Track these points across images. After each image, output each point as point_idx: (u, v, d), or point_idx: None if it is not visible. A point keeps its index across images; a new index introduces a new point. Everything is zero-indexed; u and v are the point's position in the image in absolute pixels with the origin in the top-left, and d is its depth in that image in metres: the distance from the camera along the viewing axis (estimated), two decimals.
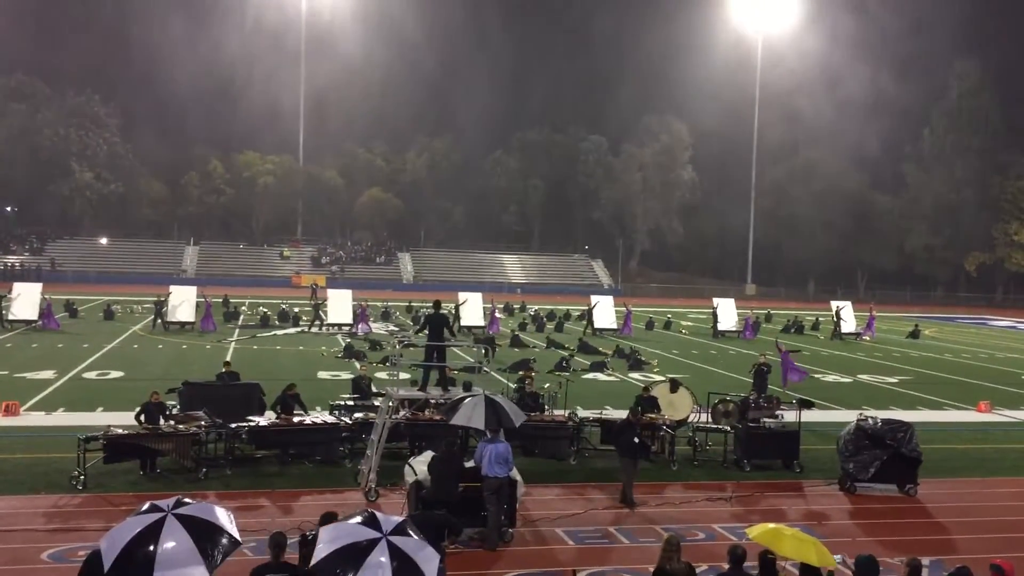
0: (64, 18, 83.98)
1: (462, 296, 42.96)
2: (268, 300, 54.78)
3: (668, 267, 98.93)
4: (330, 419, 17.08)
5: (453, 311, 39.97)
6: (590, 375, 29.07)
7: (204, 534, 7.28)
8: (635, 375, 29.38)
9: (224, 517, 7.65)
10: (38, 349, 31.37)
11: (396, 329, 41.79)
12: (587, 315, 44.15)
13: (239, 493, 14.31)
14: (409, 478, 13.30)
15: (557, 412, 18.45)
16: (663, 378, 23.62)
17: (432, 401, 16.10)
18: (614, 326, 43.51)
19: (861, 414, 16.91)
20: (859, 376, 31.67)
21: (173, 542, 7.11)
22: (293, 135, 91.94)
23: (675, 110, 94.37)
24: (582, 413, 18.85)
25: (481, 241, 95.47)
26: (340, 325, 40.43)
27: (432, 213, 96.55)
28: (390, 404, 14.96)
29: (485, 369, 17.17)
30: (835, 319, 46.82)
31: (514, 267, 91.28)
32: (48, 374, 25.56)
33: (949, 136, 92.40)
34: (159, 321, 39.21)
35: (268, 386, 18.94)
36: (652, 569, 9.12)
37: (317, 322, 41.09)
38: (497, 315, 43.59)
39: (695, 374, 29.61)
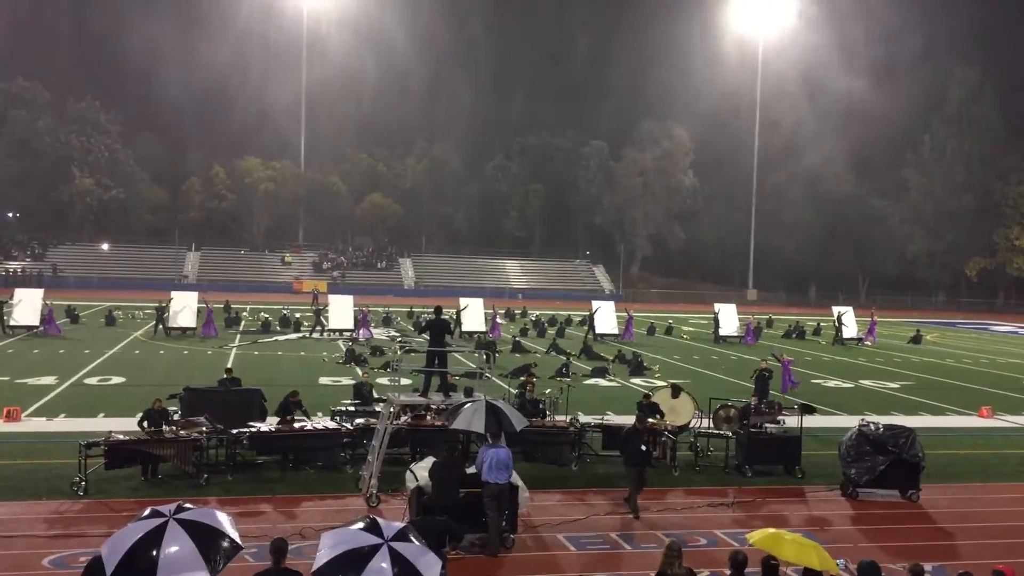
0: (65, 25, 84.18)
1: (463, 301, 42.99)
2: (269, 306, 54.79)
3: (669, 272, 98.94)
4: (331, 425, 17.09)
5: (454, 316, 40.02)
6: (591, 380, 29.06)
7: (206, 539, 7.29)
8: (637, 380, 29.37)
9: (226, 521, 7.66)
10: (39, 355, 31.37)
11: (397, 334, 41.79)
12: (588, 320, 44.17)
13: (240, 499, 14.29)
14: (410, 484, 13.29)
15: (558, 418, 18.44)
16: (665, 383, 23.61)
17: (433, 407, 16.10)
18: (615, 331, 43.53)
19: (863, 419, 16.91)
20: (861, 381, 31.63)
21: (176, 547, 7.12)
22: (294, 141, 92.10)
23: (676, 115, 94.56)
24: (583, 419, 18.84)
25: (482, 246, 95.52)
26: (341, 331, 40.42)
27: (433, 218, 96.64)
28: (391, 410, 14.97)
29: (486, 375, 17.14)
30: (836, 324, 46.78)
31: (515, 272, 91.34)
32: (49, 380, 25.56)
33: (950, 141, 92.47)
34: (160, 327, 39.22)
35: (269, 392, 18.93)
36: (653, 575, 9.10)
37: (318, 328, 41.08)
38: (499, 320, 43.60)
39: (696, 379, 29.59)
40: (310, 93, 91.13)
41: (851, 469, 15.67)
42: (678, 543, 9.52)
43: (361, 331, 39.59)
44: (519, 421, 13.82)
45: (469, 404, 13.87)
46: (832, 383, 31.00)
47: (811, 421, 18.78)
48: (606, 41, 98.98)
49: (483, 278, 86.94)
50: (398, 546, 7.31)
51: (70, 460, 14.92)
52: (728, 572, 9.03)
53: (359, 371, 27.13)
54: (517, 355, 35.06)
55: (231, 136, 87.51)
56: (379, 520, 7.70)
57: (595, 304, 45.15)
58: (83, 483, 14.20)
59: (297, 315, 46.40)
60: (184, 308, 40.02)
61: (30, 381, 25.27)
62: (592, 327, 43.29)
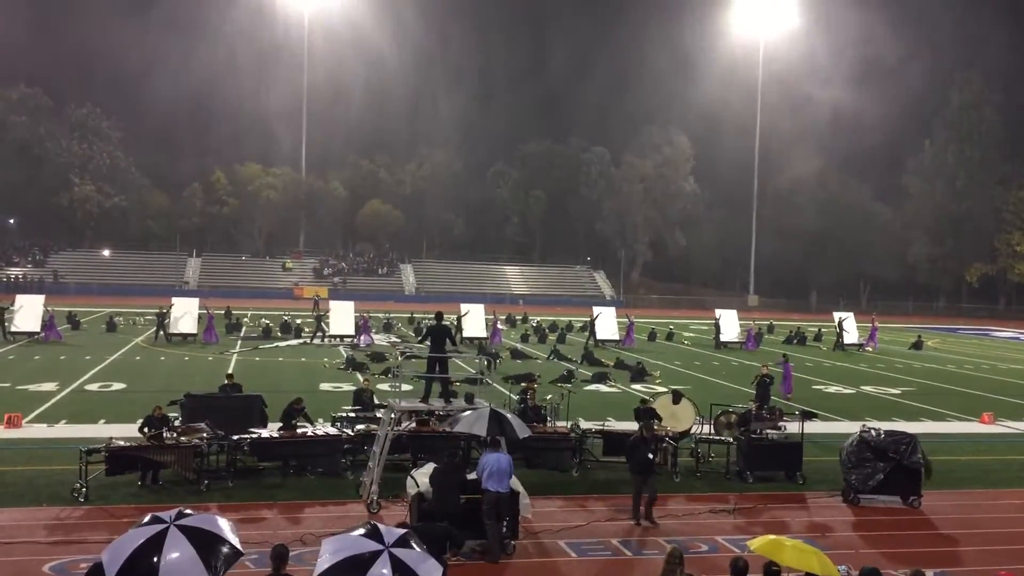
0: (66, 31, 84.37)
1: (464, 307, 42.98)
2: (270, 312, 54.81)
3: (670, 278, 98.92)
4: (332, 431, 17.09)
5: (455, 322, 40.00)
6: (592, 386, 29.05)
7: (207, 545, 7.29)
8: (637, 386, 29.34)
9: (226, 528, 7.65)
10: (40, 361, 31.38)
11: (398, 340, 41.79)
12: (589, 326, 44.17)
13: (241, 505, 14.28)
14: (411, 490, 13.29)
15: (559, 424, 18.43)
16: (666, 389, 23.60)
17: (437, 413, 16.09)
18: (616, 337, 43.52)
19: (864, 425, 16.88)
20: (862, 387, 31.61)
21: (177, 553, 7.12)
22: (295, 147, 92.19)
23: (677, 122, 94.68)
24: (584, 425, 18.83)
25: (483, 252, 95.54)
26: (342, 337, 40.43)
27: (434, 224, 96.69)
28: (392, 416, 14.96)
29: (487, 380, 17.14)
30: (838, 330, 46.76)
31: (516, 278, 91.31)
32: (50, 386, 25.56)
33: (951, 147, 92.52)
34: (161, 333, 39.23)
35: (270, 398, 18.94)
36: None
37: (319, 334, 41.09)
38: (499, 326, 43.61)
39: (697, 385, 29.57)
40: (311, 99, 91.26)
41: (852, 475, 15.65)
42: (679, 549, 9.52)
43: (362, 337, 39.61)
44: (522, 429, 13.85)
45: (472, 411, 13.88)
46: (833, 389, 30.98)
47: (812, 427, 18.79)
48: (608, 48, 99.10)
49: (484, 284, 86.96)
50: (399, 552, 7.31)
51: (71, 466, 14.92)
52: None
53: (360, 377, 27.12)
54: (518, 361, 35.04)
55: (232, 142, 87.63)
56: (380, 526, 7.69)
57: (596, 310, 45.13)
58: (84, 489, 14.20)
59: (298, 321, 46.42)
60: (185, 314, 40.08)
61: (31, 387, 25.26)
62: (593, 333, 43.30)
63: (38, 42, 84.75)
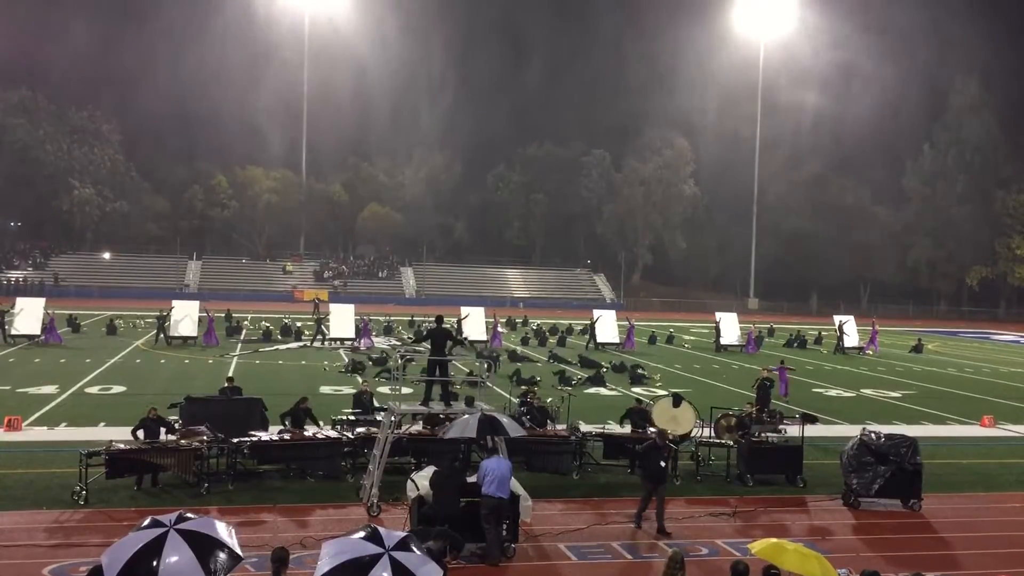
0: (66, 34, 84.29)
1: (464, 310, 42.94)
2: (270, 315, 54.82)
3: (670, 281, 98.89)
4: (332, 434, 17.08)
5: (455, 325, 39.98)
6: (592, 389, 29.03)
7: (206, 549, 7.28)
8: (637, 389, 29.32)
9: (225, 532, 7.65)
10: (40, 364, 31.37)
11: (399, 343, 41.78)
12: (589, 329, 44.15)
13: (241, 508, 14.28)
14: (411, 493, 13.28)
15: (559, 427, 18.43)
16: (666, 393, 23.58)
17: (441, 416, 16.10)
18: (616, 340, 43.49)
19: (864, 429, 16.88)
20: (862, 391, 31.60)
21: (176, 557, 7.12)
22: (296, 150, 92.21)
23: (677, 125, 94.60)
24: (584, 428, 18.82)
25: (483, 255, 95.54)
26: (343, 340, 40.43)
27: (434, 227, 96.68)
28: (392, 419, 14.96)
29: (488, 383, 17.14)
30: (838, 333, 46.77)
31: (516, 281, 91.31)
32: (50, 389, 25.54)
33: (951, 150, 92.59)
34: (161, 336, 39.21)
35: (270, 401, 18.93)
36: None
37: (319, 337, 41.09)
38: (500, 329, 43.58)
39: (698, 389, 29.55)
40: (311, 102, 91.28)
41: (853, 478, 15.64)
42: (680, 553, 9.52)
43: (362, 340, 39.61)
44: (514, 429, 13.86)
45: (462, 417, 13.92)
46: (833, 392, 30.97)
47: (812, 430, 18.77)
48: (609, 51, 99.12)
49: (484, 287, 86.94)
50: (399, 555, 7.30)
51: (71, 469, 14.91)
52: None
53: (360, 380, 27.11)
54: (518, 364, 35.02)
55: (232, 145, 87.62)
56: (380, 529, 7.69)
57: (596, 313, 45.13)
58: (84, 492, 14.19)
59: (298, 324, 46.42)
60: (185, 317, 40.01)
61: (31, 390, 25.25)
62: (593, 336, 43.29)
63: (38, 45, 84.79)
